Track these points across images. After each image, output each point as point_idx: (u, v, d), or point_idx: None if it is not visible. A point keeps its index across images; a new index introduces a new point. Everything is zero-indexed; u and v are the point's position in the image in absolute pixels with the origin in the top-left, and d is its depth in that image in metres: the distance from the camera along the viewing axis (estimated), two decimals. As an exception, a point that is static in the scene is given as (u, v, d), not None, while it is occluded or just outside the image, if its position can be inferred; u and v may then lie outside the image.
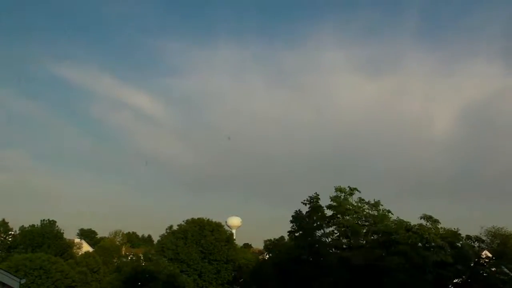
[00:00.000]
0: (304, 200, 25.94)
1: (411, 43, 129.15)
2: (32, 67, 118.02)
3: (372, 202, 25.21)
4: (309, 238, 25.26)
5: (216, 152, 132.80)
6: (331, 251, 24.89)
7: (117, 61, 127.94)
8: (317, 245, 24.97)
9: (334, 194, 25.68)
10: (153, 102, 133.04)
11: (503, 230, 60.17)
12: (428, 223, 23.37)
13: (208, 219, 49.18)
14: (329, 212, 25.81)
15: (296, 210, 25.95)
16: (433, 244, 22.83)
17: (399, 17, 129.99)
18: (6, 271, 19.60)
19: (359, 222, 24.82)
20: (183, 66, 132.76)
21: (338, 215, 24.89)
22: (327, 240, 25.35)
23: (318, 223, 25.35)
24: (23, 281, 19.51)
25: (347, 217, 24.66)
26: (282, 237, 45.17)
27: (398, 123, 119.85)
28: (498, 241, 57.47)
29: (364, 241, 25.01)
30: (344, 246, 25.26)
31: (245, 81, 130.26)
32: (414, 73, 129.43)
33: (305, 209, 25.95)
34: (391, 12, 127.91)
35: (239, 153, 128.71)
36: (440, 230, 23.20)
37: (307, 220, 25.58)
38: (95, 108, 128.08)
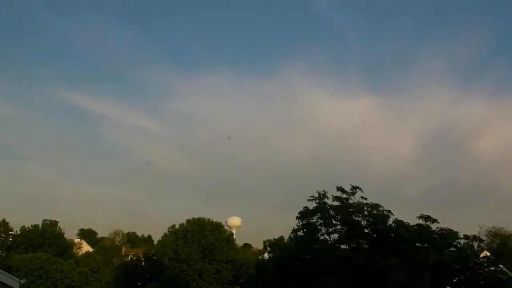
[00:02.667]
0: (310, 197, 25.68)
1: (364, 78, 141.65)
2: (50, 95, 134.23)
3: (371, 203, 25.08)
4: (313, 236, 25.13)
5: (215, 156, 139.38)
6: (332, 250, 24.81)
7: (117, 89, 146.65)
8: (318, 245, 24.89)
9: (336, 194, 25.52)
10: (151, 120, 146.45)
11: (503, 230, 60.40)
12: (427, 223, 23.34)
13: (209, 219, 49.28)
14: (331, 212, 25.68)
15: (304, 207, 25.69)
16: (431, 244, 22.84)
17: (352, 55, 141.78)
18: (6, 271, 19.68)
19: (361, 222, 24.75)
20: (169, 93, 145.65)
21: (340, 215, 24.81)
22: (329, 239, 25.27)
23: (323, 221, 25.19)
24: (23, 281, 19.59)
25: (350, 217, 24.57)
26: (282, 237, 45.29)
27: (370, 141, 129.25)
28: (498, 241, 57.69)
29: (366, 241, 24.97)
30: (346, 246, 25.20)
31: (228, 104, 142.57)
32: (376, 100, 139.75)
33: (311, 206, 25.72)
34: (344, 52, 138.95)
35: (237, 157, 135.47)
36: (437, 230, 23.16)
37: (313, 218, 25.39)
38: (100, 126, 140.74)
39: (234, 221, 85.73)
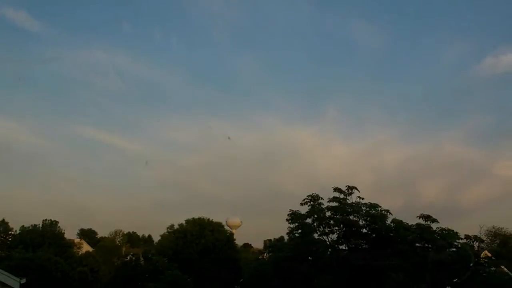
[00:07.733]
0: (303, 200, 25.77)
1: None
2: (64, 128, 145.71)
3: (368, 203, 25.08)
4: (309, 237, 25.17)
5: (214, 159, 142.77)
6: (330, 250, 24.82)
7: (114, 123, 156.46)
8: (314, 248, 24.90)
9: (333, 195, 25.54)
10: (145, 145, 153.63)
11: (503, 230, 60.33)
12: (427, 223, 23.33)
13: (208, 219, 49.24)
14: (328, 213, 25.68)
15: (292, 210, 25.82)
16: (431, 244, 22.85)
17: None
18: (6, 271, 19.62)
19: (359, 222, 24.74)
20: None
21: (338, 215, 24.79)
22: (326, 240, 25.26)
23: (318, 223, 25.24)
24: (23, 281, 19.50)
25: (347, 217, 24.56)
26: (282, 237, 45.25)
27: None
28: (498, 241, 57.60)
29: (364, 241, 24.97)
30: (344, 247, 25.21)
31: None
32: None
33: (304, 209, 25.83)
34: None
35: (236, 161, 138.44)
36: (437, 230, 23.15)
37: (306, 220, 25.47)
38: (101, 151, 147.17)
39: (234, 221, 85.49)
